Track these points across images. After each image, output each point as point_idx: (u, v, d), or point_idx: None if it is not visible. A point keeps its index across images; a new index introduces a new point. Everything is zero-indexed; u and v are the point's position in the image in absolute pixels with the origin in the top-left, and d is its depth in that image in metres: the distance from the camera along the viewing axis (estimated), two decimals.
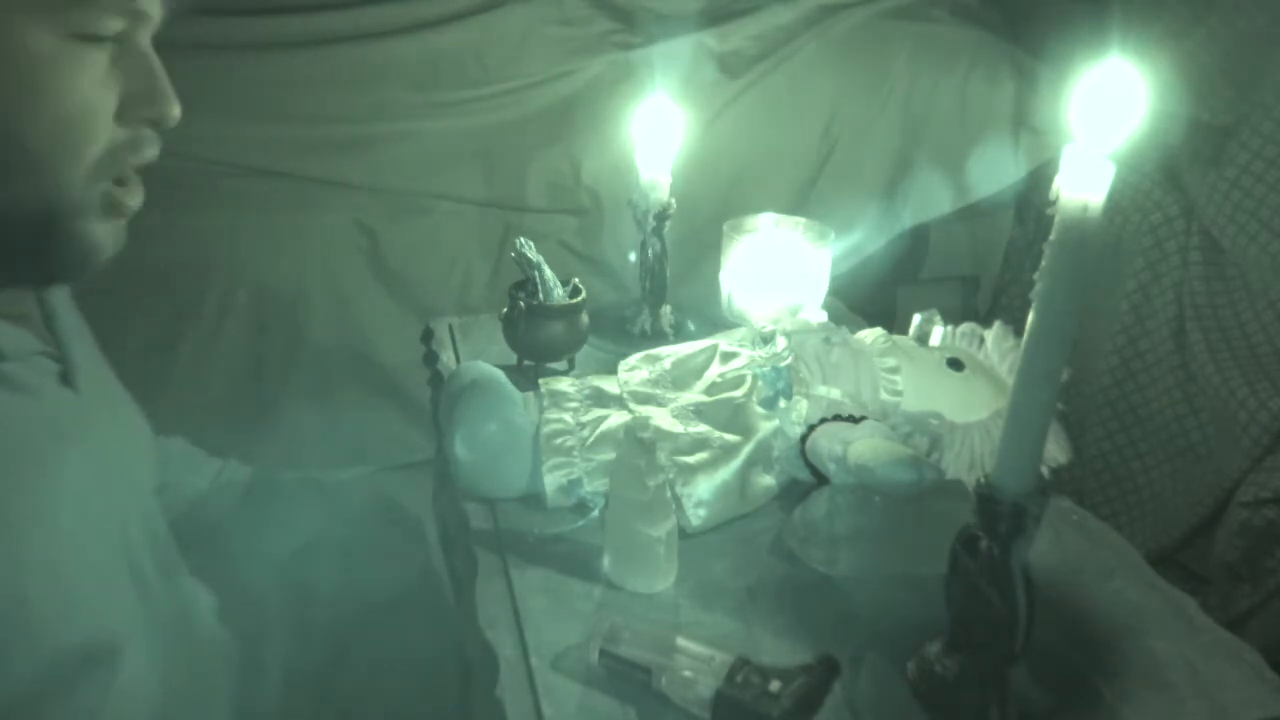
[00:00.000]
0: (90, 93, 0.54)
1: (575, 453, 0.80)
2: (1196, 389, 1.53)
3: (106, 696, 0.61)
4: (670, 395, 0.88)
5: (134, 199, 0.60)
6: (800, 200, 1.92)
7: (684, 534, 0.76)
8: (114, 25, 0.55)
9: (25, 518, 0.57)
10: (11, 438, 0.57)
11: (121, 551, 0.66)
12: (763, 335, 0.91)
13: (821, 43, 1.92)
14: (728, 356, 0.91)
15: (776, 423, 0.83)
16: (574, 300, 0.97)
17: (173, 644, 0.69)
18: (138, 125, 0.58)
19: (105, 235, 0.59)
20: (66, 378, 0.63)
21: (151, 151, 0.59)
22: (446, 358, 1.05)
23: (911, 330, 0.97)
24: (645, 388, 0.88)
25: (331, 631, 0.83)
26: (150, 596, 0.68)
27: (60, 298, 0.69)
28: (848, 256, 1.88)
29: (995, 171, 1.97)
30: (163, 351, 1.65)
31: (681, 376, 0.91)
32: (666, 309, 1.11)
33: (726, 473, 0.80)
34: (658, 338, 1.08)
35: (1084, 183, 0.49)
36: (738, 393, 0.86)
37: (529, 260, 0.96)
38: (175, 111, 0.59)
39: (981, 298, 2.19)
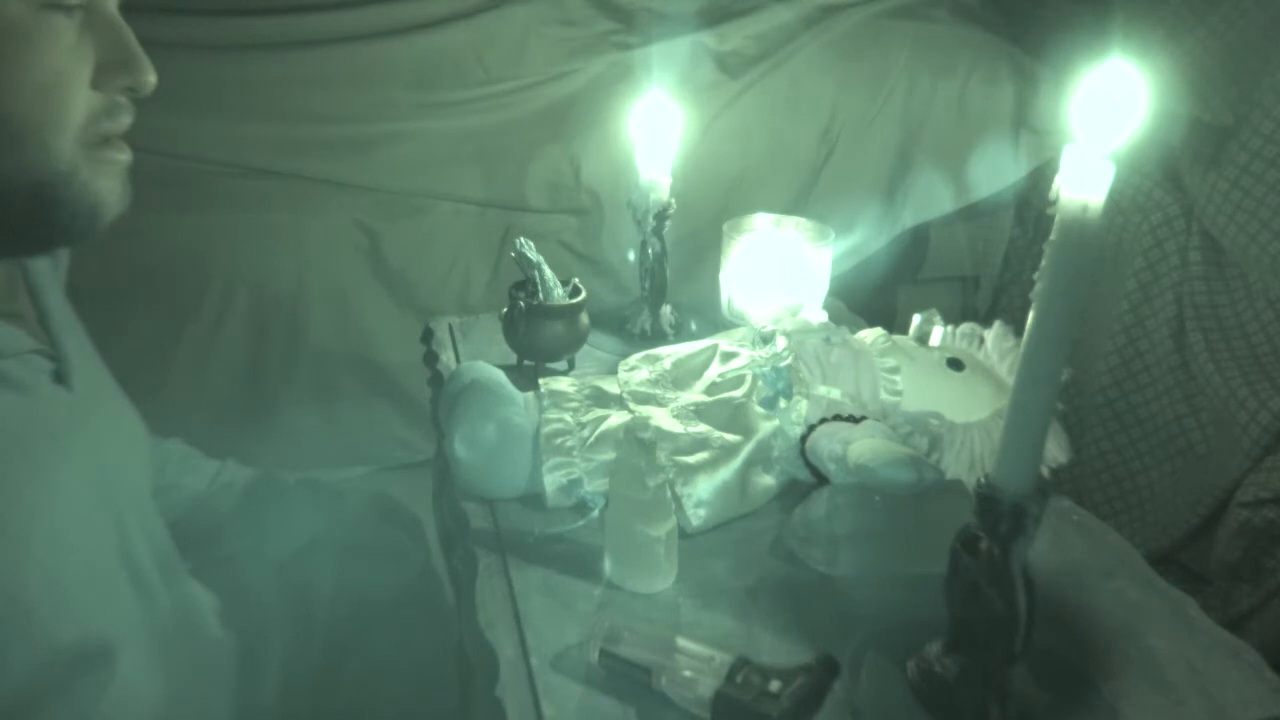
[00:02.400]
0: (64, 61, 0.55)
1: (575, 453, 0.80)
2: (1196, 389, 1.53)
3: (103, 697, 0.61)
4: (670, 395, 0.88)
5: (123, 154, 0.60)
6: (800, 200, 1.92)
7: (684, 534, 0.76)
8: None
9: (18, 515, 0.57)
10: (4, 435, 0.57)
11: (118, 551, 0.66)
12: (763, 335, 0.91)
13: (821, 43, 1.92)
14: (728, 356, 0.91)
15: (776, 423, 0.83)
16: (574, 300, 0.97)
17: (173, 645, 0.69)
18: (113, 93, 0.58)
19: (107, 191, 0.59)
20: (60, 376, 0.63)
21: (126, 119, 0.60)
22: (446, 358, 1.05)
23: (911, 330, 0.97)
24: (645, 388, 0.88)
25: (331, 631, 0.83)
26: (150, 597, 0.68)
27: (54, 296, 0.68)
28: (848, 256, 1.88)
29: (995, 172, 1.97)
30: (162, 351, 1.65)
31: (681, 376, 0.91)
32: (666, 309, 1.11)
33: (726, 473, 0.80)
34: (658, 338, 1.08)
35: (1084, 183, 0.49)
36: (738, 393, 0.86)
37: (529, 260, 0.96)
38: (151, 78, 0.59)
39: (981, 298, 2.19)
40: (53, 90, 0.55)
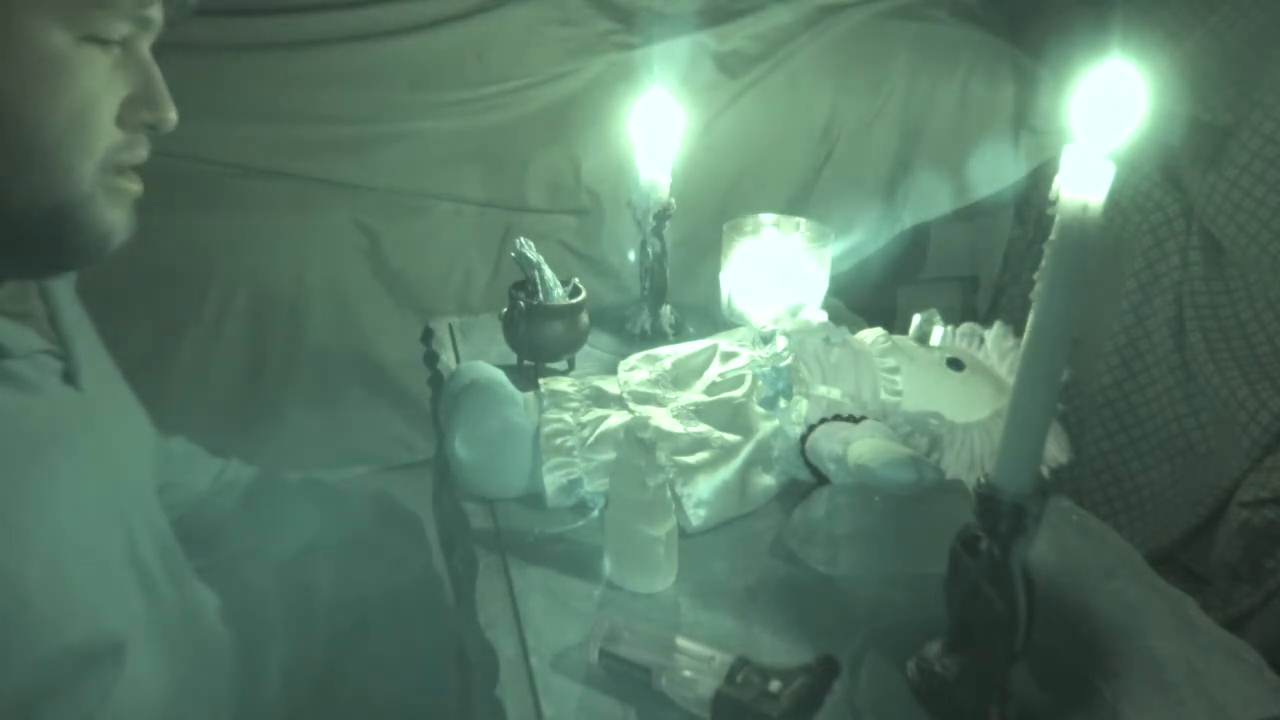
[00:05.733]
0: (97, 91, 0.57)
1: (575, 453, 0.80)
2: (1196, 389, 1.53)
3: (109, 696, 0.61)
4: (670, 395, 0.88)
5: (135, 185, 0.63)
6: (800, 200, 1.92)
7: (684, 534, 0.76)
8: (122, 29, 0.57)
9: (25, 514, 0.57)
10: (13, 434, 0.58)
11: (125, 550, 0.66)
12: (763, 335, 0.91)
13: (821, 43, 1.92)
14: (728, 356, 0.91)
15: (776, 423, 0.83)
16: (574, 300, 0.97)
17: (178, 643, 0.69)
18: (135, 129, 0.60)
19: (116, 221, 0.61)
20: (69, 376, 0.64)
21: (143, 153, 0.62)
22: (446, 358, 1.05)
23: (911, 330, 0.97)
24: (645, 388, 0.88)
25: (332, 631, 0.83)
26: (157, 596, 0.68)
27: (64, 296, 0.69)
28: (848, 256, 1.88)
29: (995, 172, 1.97)
30: (162, 351, 1.65)
31: (681, 376, 0.91)
32: (666, 309, 1.11)
33: (726, 473, 0.80)
34: (658, 338, 1.08)
35: (1084, 183, 0.49)
36: (738, 393, 0.86)
37: (529, 260, 0.96)
38: (173, 116, 0.62)
39: (981, 298, 2.19)
40: (83, 117, 0.57)
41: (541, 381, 0.87)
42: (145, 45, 0.60)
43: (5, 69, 0.54)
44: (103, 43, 0.57)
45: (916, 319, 0.98)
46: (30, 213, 0.57)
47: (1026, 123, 1.96)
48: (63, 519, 0.59)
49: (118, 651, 0.62)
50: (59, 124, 0.56)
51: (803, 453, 0.81)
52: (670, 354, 0.93)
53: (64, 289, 0.70)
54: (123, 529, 0.66)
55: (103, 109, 0.58)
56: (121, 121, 0.59)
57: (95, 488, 0.63)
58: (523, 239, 0.97)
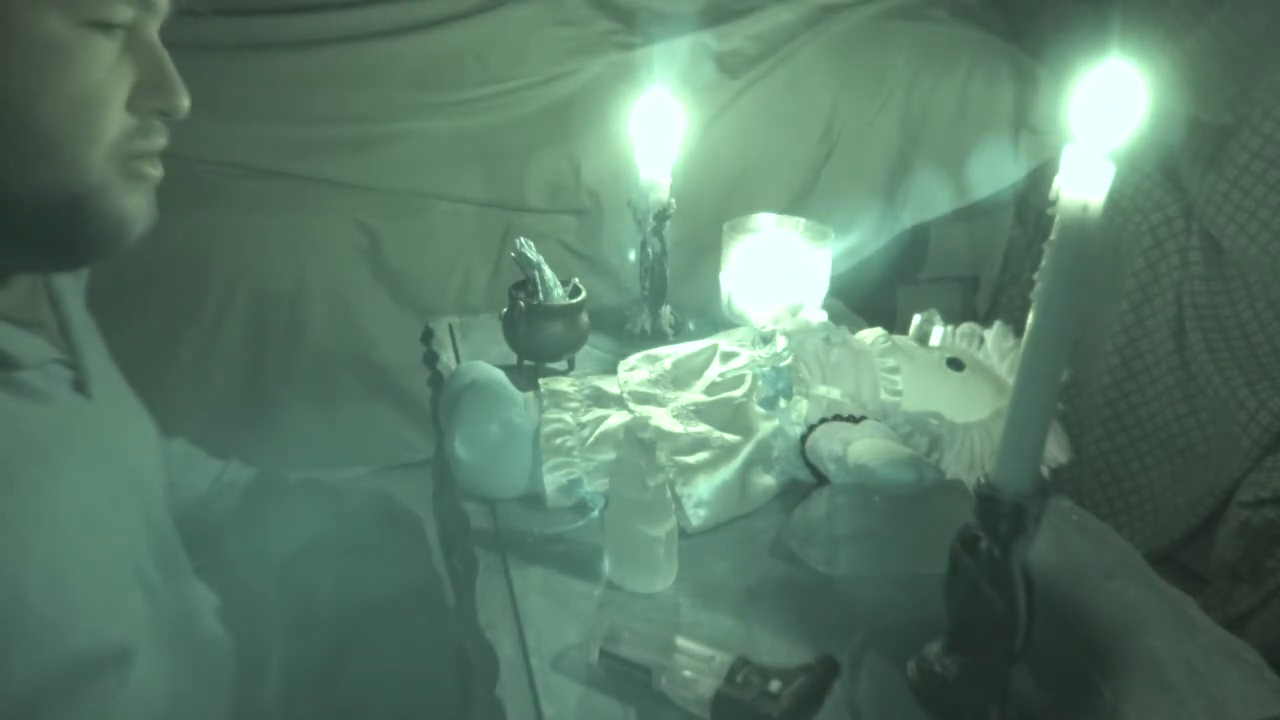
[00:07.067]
0: (102, 79, 0.56)
1: (575, 453, 0.80)
2: (1196, 389, 1.53)
3: (113, 702, 0.61)
4: (670, 395, 0.88)
5: (155, 170, 0.61)
6: (800, 200, 1.92)
7: (684, 534, 0.76)
8: (124, 14, 0.56)
9: (32, 523, 0.57)
10: (24, 444, 0.57)
11: (130, 557, 0.66)
12: (763, 335, 0.91)
13: (821, 43, 1.92)
14: (728, 356, 0.91)
15: (776, 423, 0.83)
16: (574, 300, 0.97)
17: (178, 646, 0.69)
18: (148, 115, 0.59)
19: (135, 207, 0.60)
20: (80, 385, 0.64)
21: (160, 140, 0.60)
22: (446, 358, 1.05)
23: (911, 330, 0.97)
24: (645, 388, 0.88)
25: (331, 631, 0.83)
26: (156, 600, 0.68)
27: (75, 304, 0.69)
28: (848, 256, 1.88)
29: (995, 172, 1.97)
30: (162, 351, 1.65)
31: (681, 376, 0.91)
32: (666, 309, 1.11)
33: (726, 473, 0.80)
34: (658, 338, 1.08)
35: (1084, 183, 0.49)
36: (738, 393, 0.86)
37: (529, 260, 0.96)
38: (184, 102, 0.60)
39: (981, 298, 2.19)
40: (87, 106, 0.55)
41: (541, 381, 0.87)
42: (152, 29, 0.59)
43: (1, 58, 0.52)
44: (105, 27, 0.55)
45: (916, 319, 0.98)
46: (43, 205, 0.56)
47: (1026, 123, 1.96)
48: (68, 527, 0.59)
49: (122, 659, 0.62)
50: (61, 113, 0.54)
51: (803, 453, 0.81)
52: (670, 354, 0.93)
53: (74, 297, 0.69)
54: (128, 536, 0.66)
55: (109, 96, 0.56)
56: (132, 108, 0.58)
57: (102, 495, 0.63)
58: (523, 239, 0.97)
